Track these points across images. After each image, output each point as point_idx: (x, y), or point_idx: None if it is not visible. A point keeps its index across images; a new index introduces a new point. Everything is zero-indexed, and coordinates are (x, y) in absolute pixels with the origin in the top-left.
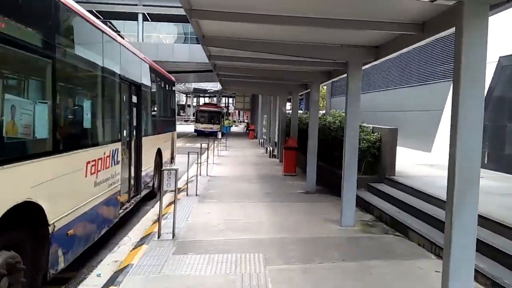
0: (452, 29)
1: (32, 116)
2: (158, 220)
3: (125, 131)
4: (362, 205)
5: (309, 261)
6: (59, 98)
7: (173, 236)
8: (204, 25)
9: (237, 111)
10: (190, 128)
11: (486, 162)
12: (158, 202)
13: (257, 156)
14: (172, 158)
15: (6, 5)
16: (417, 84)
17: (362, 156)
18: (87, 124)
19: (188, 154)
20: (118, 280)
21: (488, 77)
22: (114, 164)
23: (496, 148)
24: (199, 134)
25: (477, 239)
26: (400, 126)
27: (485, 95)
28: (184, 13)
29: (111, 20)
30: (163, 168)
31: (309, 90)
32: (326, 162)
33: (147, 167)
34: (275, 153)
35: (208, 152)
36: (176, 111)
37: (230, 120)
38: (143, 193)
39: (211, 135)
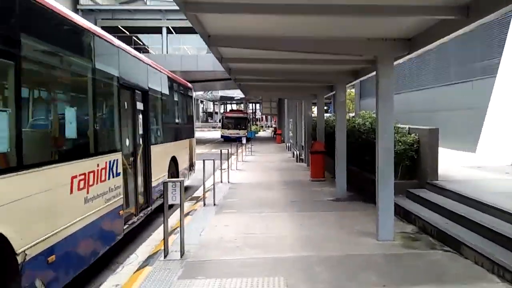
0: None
1: None
2: (164, 237)
3: (127, 140)
4: (401, 214)
5: (341, 287)
6: (30, 103)
7: (182, 255)
8: (207, 22)
9: (265, 116)
10: (217, 134)
11: None
12: (174, 213)
13: (284, 160)
14: (192, 165)
15: None
16: (456, 81)
17: (398, 160)
18: (70, 133)
19: (204, 162)
20: None
21: None
22: (113, 176)
23: None
24: (226, 140)
25: None
26: (439, 126)
27: None
28: None
29: (137, 34)
30: (167, 179)
31: (335, 92)
32: (357, 166)
33: (159, 176)
34: (302, 157)
35: (229, 159)
36: (201, 118)
37: (257, 125)
38: (156, 204)
39: (237, 140)
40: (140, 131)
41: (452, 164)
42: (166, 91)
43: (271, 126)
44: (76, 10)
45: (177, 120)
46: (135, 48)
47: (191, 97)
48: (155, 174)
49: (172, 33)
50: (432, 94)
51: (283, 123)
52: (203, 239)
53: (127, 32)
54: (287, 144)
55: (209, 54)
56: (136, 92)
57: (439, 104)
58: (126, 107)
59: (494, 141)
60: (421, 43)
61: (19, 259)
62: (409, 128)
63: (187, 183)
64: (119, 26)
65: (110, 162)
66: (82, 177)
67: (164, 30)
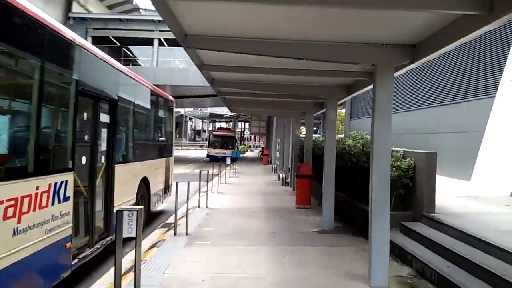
0: None
1: None
2: (115, 281)
3: (84, 158)
4: (395, 252)
5: None
6: None
7: None
8: (183, 16)
9: (253, 136)
10: (204, 153)
11: None
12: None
13: (269, 183)
14: (167, 187)
15: None
16: (451, 102)
17: (391, 188)
18: None
19: (177, 184)
20: None
21: None
22: (60, 201)
23: None
24: (212, 159)
25: None
26: (432, 150)
27: None
28: None
29: (128, 46)
30: (123, 207)
31: (325, 109)
32: (346, 193)
33: (125, 200)
34: (288, 180)
35: (207, 181)
36: (189, 136)
37: (245, 145)
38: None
39: (222, 161)
40: (103, 148)
41: (445, 193)
42: (141, 102)
43: (259, 146)
44: (67, 18)
45: (152, 137)
46: (124, 61)
47: (172, 111)
48: (119, 198)
49: (164, 45)
50: (424, 115)
51: (271, 143)
52: (166, 279)
53: (118, 43)
54: (274, 166)
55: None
56: (100, 102)
57: (433, 126)
58: (85, 118)
59: (491, 168)
60: (427, 49)
61: None
62: (403, 151)
63: (161, 207)
64: (110, 37)
65: (56, 184)
66: (11, 203)
67: (156, 42)
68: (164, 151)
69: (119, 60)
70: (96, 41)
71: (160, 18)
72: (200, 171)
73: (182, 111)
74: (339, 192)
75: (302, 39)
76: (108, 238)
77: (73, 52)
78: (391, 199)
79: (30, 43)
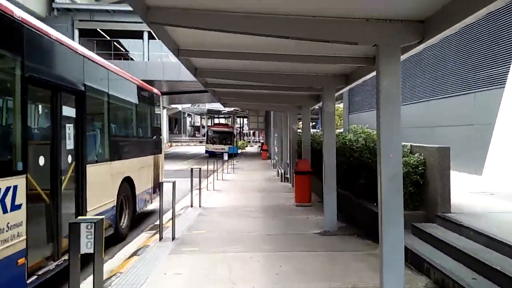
0: None
1: None
2: None
3: (42, 158)
4: (408, 257)
5: None
6: None
7: None
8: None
9: (254, 131)
10: (203, 149)
11: None
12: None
13: (267, 179)
14: (156, 187)
15: None
16: (457, 93)
17: None
18: None
19: (162, 185)
20: None
21: None
22: (6, 211)
23: None
24: (210, 155)
25: None
26: (437, 144)
27: None
28: None
29: (118, 39)
30: (81, 218)
31: (322, 102)
32: (348, 191)
33: (102, 204)
34: (288, 175)
35: (200, 179)
36: (188, 132)
37: (244, 140)
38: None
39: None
40: (69, 146)
41: (457, 189)
42: (118, 95)
43: (259, 142)
44: (51, 9)
45: (135, 133)
46: (114, 55)
47: (158, 106)
48: (93, 202)
49: (154, 38)
50: (428, 107)
51: (270, 139)
52: None
53: (107, 36)
54: (273, 161)
55: None
56: (61, 92)
57: (437, 119)
58: (41, 112)
59: (505, 162)
60: (439, 25)
61: None
62: (411, 146)
63: (151, 207)
64: (97, 29)
65: None
66: None
67: (146, 35)
68: (151, 148)
69: (108, 55)
70: (84, 34)
71: None
72: (191, 168)
73: (180, 107)
74: (341, 189)
75: (291, 13)
76: None
77: (20, 32)
78: None
79: None
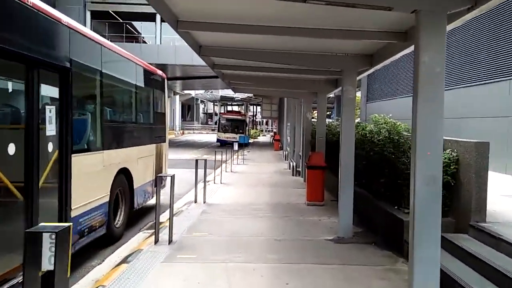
0: None
1: None
2: None
3: (12, 146)
4: None
5: None
6: None
7: None
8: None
9: (267, 120)
10: (215, 137)
11: None
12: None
13: (278, 172)
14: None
15: None
16: (490, 80)
17: None
18: None
19: (159, 179)
20: None
21: None
22: None
23: None
24: (222, 144)
25: None
26: (464, 137)
27: None
28: None
29: (131, 21)
30: (41, 225)
31: (341, 87)
32: (366, 189)
33: (91, 199)
34: (299, 169)
35: (205, 173)
36: (201, 119)
37: (257, 129)
38: (83, 241)
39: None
40: (50, 131)
41: (489, 191)
42: (113, 73)
43: (271, 131)
44: None
45: (134, 118)
46: (127, 38)
47: (163, 89)
48: (80, 197)
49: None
50: (456, 96)
51: (282, 128)
52: None
53: (119, 19)
54: (285, 152)
55: None
56: (40, 68)
57: (465, 110)
58: (11, 90)
59: None
60: None
61: None
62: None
63: (153, 201)
64: (110, 11)
65: None
66: None
67: (158, 17)
68: (153, 136)
69: (121, 38)
70: (96, 16)
71: None
72: (196, 160)
73: (193, 93)
74: (357, 187)
75: None
76: None
77: None
78: None
79: None
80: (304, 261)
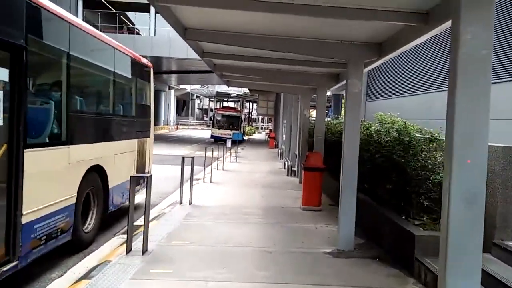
0: None
1: None
2: None
3: None
4: None
5: None
6: None
7: None
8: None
9: (263, 117)
10: (209, 133)
11: None
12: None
13: (272, 172)
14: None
15: None
16: (501, 79)
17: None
18: None
19: (131, 179)
20: None
21: None
22: None
23: None
24: (216, 140)
25: None
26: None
27: None
28: None
29: (125, 12)
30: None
31: (346, 79)
32: (369, 195)
33: (50, 202)
34: (295, 168)
35: (192, 172)
36: (197, 115)
37: (253, 126)
38: (38, 252)
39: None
40: None
41: None
42: (84, 57)
43: (267, 128)
44: None
45: (110, 110)
46: (119, 29)
47: (148, 80)
48: (34, 200)
49: None
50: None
51: (278, 126)
52: None
53: (112, 8)
54: (280, 151)
55: None
56: None
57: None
58: None
59: None
60: None
61: None
62: None
63: (136, 201)
64: (102, 0)
65: None
66: None
67: (153, 9)
68: (135, 130)
69: (113, 28)
70: (88, 5)
71: None
72: (182, 158)
73: (188, 88)
74: (359, 193)
75: None
76: (10, 266)
77: None
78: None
79: None
80: (298, 280)
